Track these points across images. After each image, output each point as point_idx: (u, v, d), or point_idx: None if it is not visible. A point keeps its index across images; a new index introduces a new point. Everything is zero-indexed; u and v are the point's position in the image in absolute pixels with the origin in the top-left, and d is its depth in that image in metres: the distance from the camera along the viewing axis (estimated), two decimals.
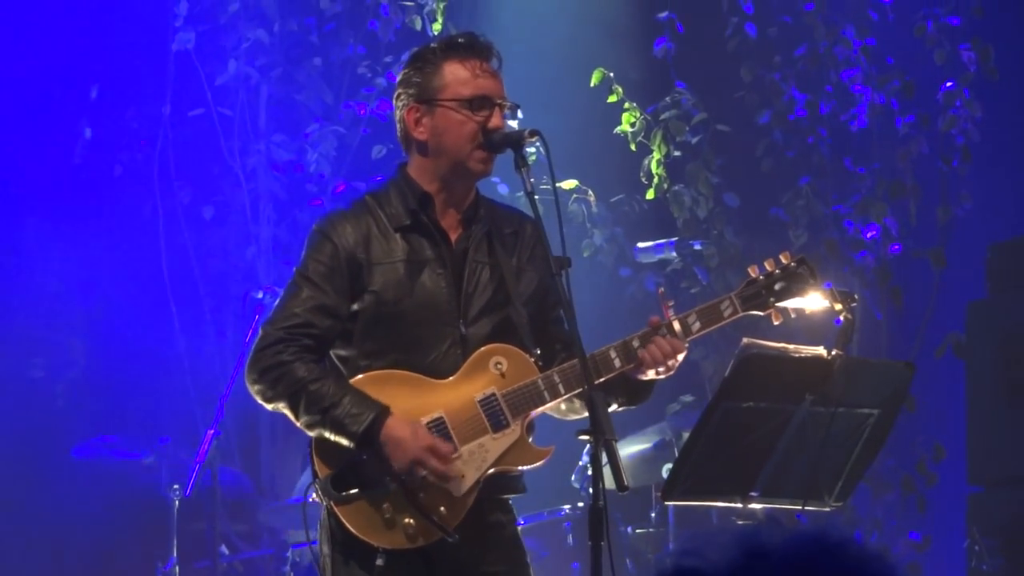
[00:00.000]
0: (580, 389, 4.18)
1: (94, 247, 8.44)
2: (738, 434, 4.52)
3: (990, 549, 7.08)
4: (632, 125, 7.98)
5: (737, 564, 1.81)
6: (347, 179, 8.42)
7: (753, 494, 4.61)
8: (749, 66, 8.23)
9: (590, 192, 8.16)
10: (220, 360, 8.21)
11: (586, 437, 4.03)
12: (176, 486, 6.94)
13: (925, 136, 8.17)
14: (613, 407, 4.27)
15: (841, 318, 4.42)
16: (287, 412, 4.22)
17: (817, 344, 4.53)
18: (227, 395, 6.68)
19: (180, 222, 8.48)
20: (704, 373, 8.02)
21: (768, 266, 4.38)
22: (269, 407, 4.26)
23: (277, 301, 4.35)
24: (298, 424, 4.21)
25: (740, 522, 4.74)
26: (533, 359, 4.26)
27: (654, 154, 8.02)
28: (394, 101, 4.36)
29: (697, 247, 7.93)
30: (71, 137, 8.44)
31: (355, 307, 4.25)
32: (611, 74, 7.88)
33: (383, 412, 4.13)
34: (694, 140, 8.12)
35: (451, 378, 4.24)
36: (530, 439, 4.28)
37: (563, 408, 4.35)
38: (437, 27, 8.11)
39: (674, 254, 7.55)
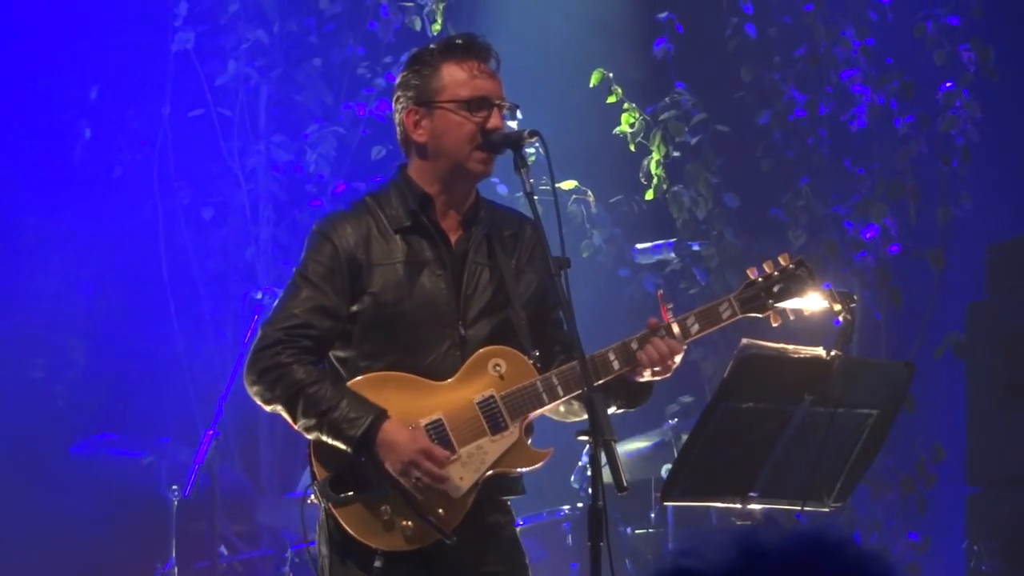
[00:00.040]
0: (579, 391, 4.18)
1: (94, 247, 8.44)
2: (737, 434, 4.51)
3: (989, 550, 7.08)
4: (631, 125, 7.98)
5: (735, 564, 1.81)
6: (347, 180, 8.42)
7: (752, 495, 4.61)
8: (749, 66, 8.23)
9: (589, 193, 8.16)
10: (220, 360, 8.21)
11: (585, 438, 4.03)
12: (175, 486, 6.94)
13: (925, 136, 8.17)
14: (612, 409, 4.27)
15: (840, 319, 4.42)
16: (285, 414, 4.21)
17: (817, 344, 4.52)
18: (227, 395, 6.68)
19: (180, 222, 8.48)
20: (704, 373, 8.02)
21: (767, 268, 4.38)
22: (267, 408, 4.26)
23: (276, 302, 4.35)
24: (296, 427, 4.21)
25: (739, 523, 4.73)
26: (532, 361, 4.26)
27: (653, 154, 8.01)
28: (393, 104, 4.36)
29: (696, 248, 7.94)
30: (71, 137, 8.44)
31: (354, 308, 4.25)
32: (610, 74, 7.88)
33: (380, 416, 4.13)
34: (693, 140, 8.12)
35: (450, 380, 4.24)
36: (529, 441, 4.28)
37: (561, 410, 4.35)
38: (437, 27, 8.11)
39: (673, 255, 7.55)
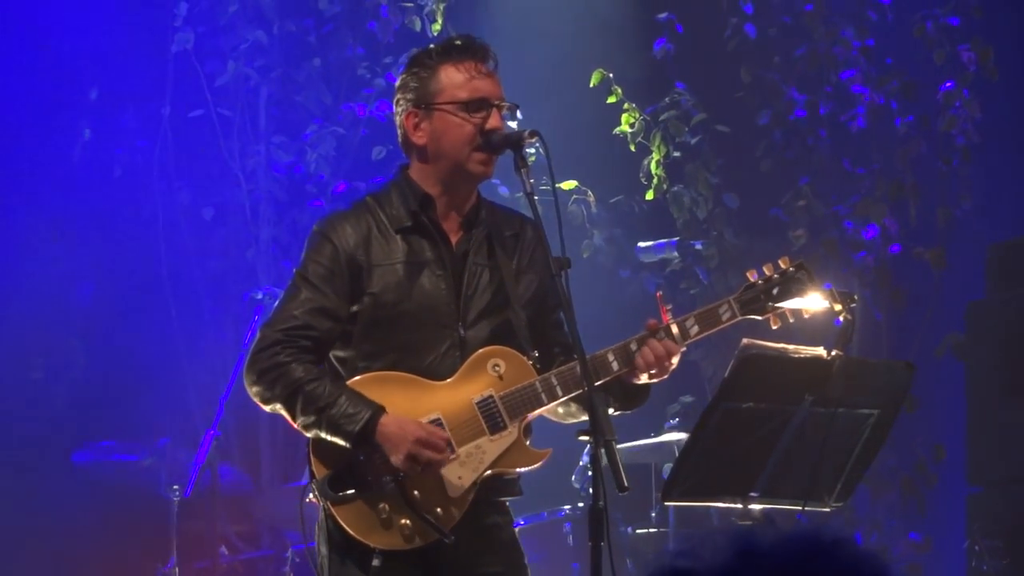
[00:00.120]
0: (578, 391, 4.18)
1: (94, 247, 8.44)
2: (738, 435, 4.51)
3: (990, 550, 7.08)
4: (631, 126, 7.98)
5: (735, 565, 1.81)
6: (347, 180, 8.42)
7: (753, 495, 4.61)
8: (749, 66, 8.23)
9: (590, 193, 8.16)
10: (220, 360, 8.20)
11: (586, 438, 4.03)
12: (176, 487, 6.94)
13: (925, 136, 8.17)
14: (609, 410, 4.26)
15: (841, 319, 4.42)
16: (284, 413, 4.21)
17: (817, 345, 4.52)
18: (227, 395, 6.68)
19: (180, 222, 8.49)
20: (704, 373, 8.02)
21: (767, 271, 4.38)
22: (267, 408, 4.26)
23: (276, 302, 4.35)
24: (295, 425, 4.21)
25: (740, 523, 4.73)
26: (531, 362, 4.26)
27: (653, 155, 8.02)
28: (394, 106, 4.36)
29: (698, 247, 7.94)
30: (71, 137, 8.44)
31: (354, 308, 4.25)
32: (611, 74, 7.88)
33: (378, 411, 4.13)
34: (693, 141, 8.12)
35: (449, 380, 4.24)
36: (528, 441, 4.28)
37: (560, 412, 4.35)
38: (436, 28, 8.11)
39: (675, 253, 7.56)
